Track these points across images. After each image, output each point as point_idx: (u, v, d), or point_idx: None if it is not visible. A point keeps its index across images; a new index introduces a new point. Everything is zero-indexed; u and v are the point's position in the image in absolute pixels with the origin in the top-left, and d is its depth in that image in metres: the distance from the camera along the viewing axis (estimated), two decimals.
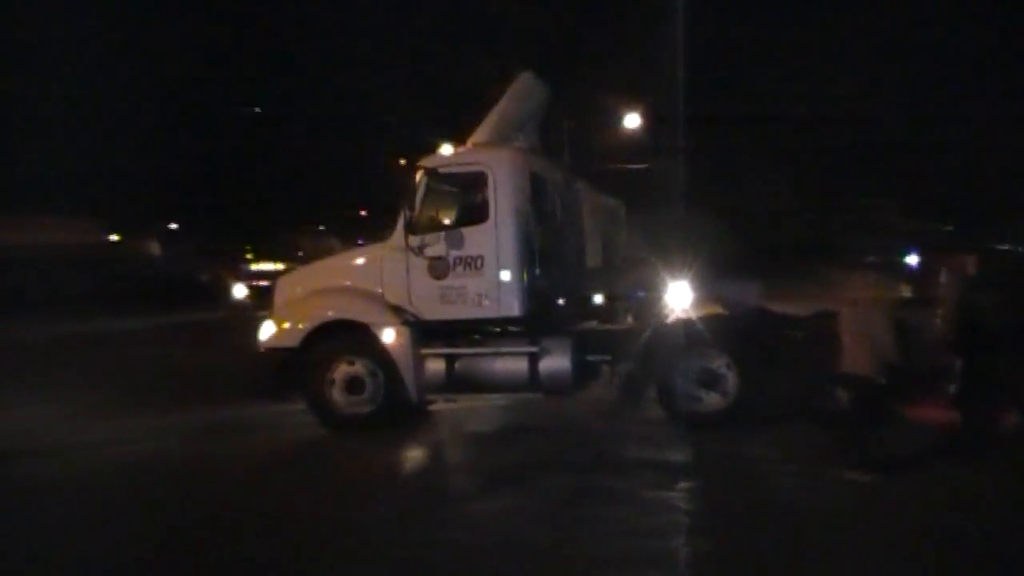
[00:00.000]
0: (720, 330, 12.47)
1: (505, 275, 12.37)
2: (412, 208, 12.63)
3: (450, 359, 12.73)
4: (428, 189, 12.73)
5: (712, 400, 12.43)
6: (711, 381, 12.46)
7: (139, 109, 49.22)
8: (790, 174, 36.19)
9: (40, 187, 46.66)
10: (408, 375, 12.62)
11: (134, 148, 48.09)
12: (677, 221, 30.06)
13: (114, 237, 50.56)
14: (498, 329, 12.86)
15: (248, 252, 47.31)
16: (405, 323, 12.71)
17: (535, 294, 12.72)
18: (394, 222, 12.94)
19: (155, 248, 50.89)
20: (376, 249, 13.44)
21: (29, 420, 14.59)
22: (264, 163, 52.65)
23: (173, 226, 57.42)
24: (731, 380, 12.37)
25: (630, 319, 13.95)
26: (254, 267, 39.07)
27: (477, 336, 12.87)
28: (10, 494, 10.48)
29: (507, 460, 11.35)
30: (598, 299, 14.54)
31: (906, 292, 13.39)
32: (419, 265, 12.66)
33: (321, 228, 53.39)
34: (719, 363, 12.46)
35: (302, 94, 52.12)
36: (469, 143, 13.61)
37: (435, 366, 12.71)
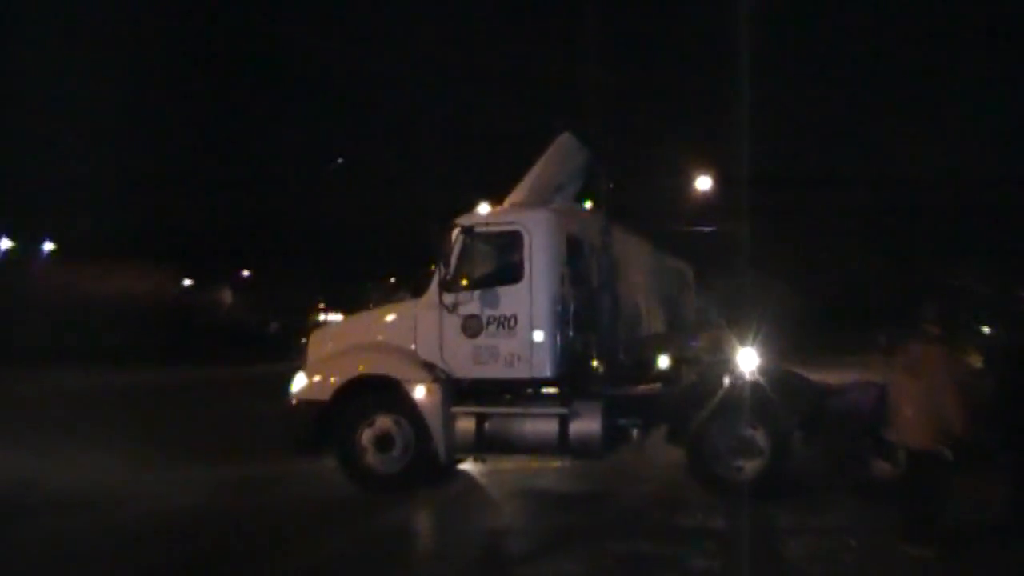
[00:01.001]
0: (755, 398, 12.18)
1: (538, 336, 12.27)
2: (447, 266, 12.63)
3: (480, 418, 12.58)
4: (464, 247, 12.72)
5: (747, 467, 12.14)
6: (744, 449, 12.18)
7: (216, 159, 50.41)
8: (868, 237, 35.68)
9: (117, 234, 47.84)
10: (438, 433, 12.49)
11: (211, 197, 49.05)
12: (745, 285, 29.80)
13: (188, 282, 51.47)
14: (530, 390, 12.71)
15: (320, 303, 47.77)
16: (437, 380, 12.61)
17: (568, 356, 12.58)
18: (429, 279, 12.95)
19: (227, 296, 51.69)
20: (410, 306, 13.45)
21: (68, 470, 14.57)
22: (338, 214, 53.36)
23: (246, 273, 58.23)
24: (764, 449, 12.14)
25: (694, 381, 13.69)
26: (324, 318, 39.31)
27: (508, 396, 12.70)
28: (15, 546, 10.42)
29: (551, 524, 11.13)
30: (663, 362, 14.41)
31: (977, 363, 13.04)
32: (452, 323, 12.60)
33: (392, 280, 53.78)
34: (752, 431, 12.20)
35: (375, 147, 52.96)
36: (506, 203, 13.63)
37: (465, 425, 12.56)
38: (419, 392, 12.59)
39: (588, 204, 14.62)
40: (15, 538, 10.71)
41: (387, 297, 48.98)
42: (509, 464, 13.80)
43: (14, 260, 56.79)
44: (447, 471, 13.49)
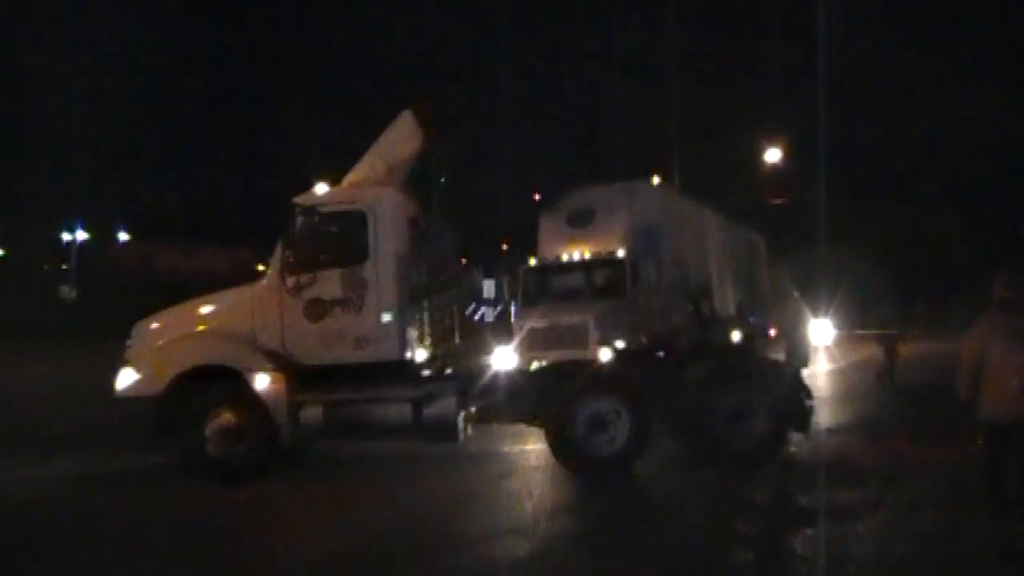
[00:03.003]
0: (614, 376, 12.22)
1: (386, 317, 11.85)
2: (288, 247, 12.13)
3: (328, 405, 12.00)
4: (304, 228, 12.24)
5: (609, 446, 11.91)
6: (603, 427, 11.87)
7: (290, 134, 50.90)
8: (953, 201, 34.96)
9: (197, 216, 48.89)
10: (284, 423, 11.80)
11: (283, 175, 49.91)
12: (819, 257, 29.48)
13: (261, 267, 52.38)
14: (381, 373, 11.97)
15: None
16: (280, 368, 11.93)
17: (419, 337, 12.21)
18: (268, 261, 12.43)
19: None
20: (249, 289, 12.74)
21: None
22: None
23: None
24: (626, 428, 11.87)
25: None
26: None
27: (357, 381, 11.96)
28: None
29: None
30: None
31: None
32: (295, 307, 12.00)
33: (463, 260, 54.04)
34: (613, 410, 11.92)
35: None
36: (345, 182, 13.11)
37: (313, 413, 11.95)
38: (261, 382, 11.87)
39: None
40: None
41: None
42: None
43: (92, 247, 58.80)
44: (297, 455, 12.92)
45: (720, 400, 12.21)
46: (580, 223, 16.16)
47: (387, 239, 12.05)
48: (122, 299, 35.17)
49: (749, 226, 25.62)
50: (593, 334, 14.52)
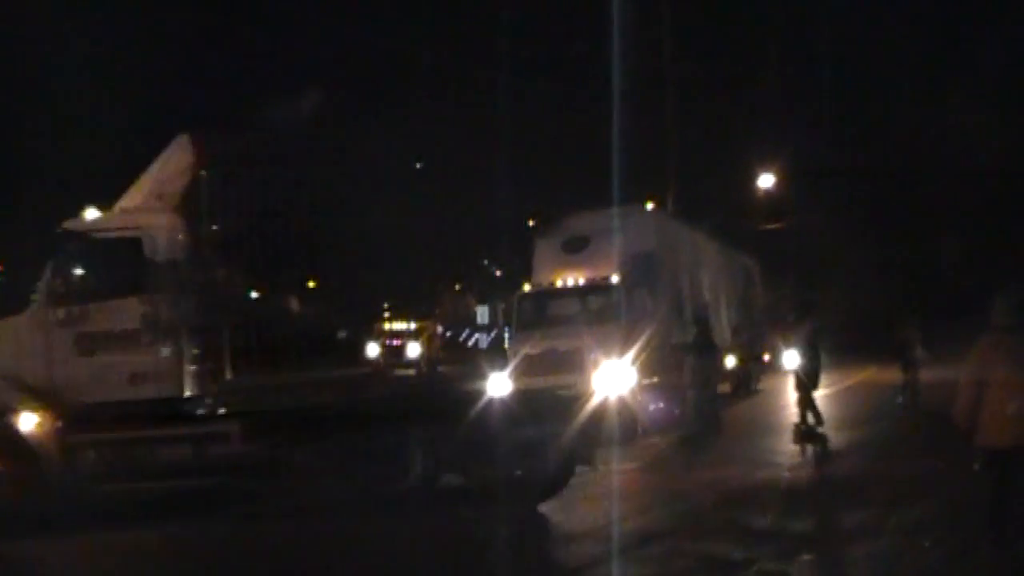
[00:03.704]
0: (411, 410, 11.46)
1: (164, 351, 10.82)
2: (56, 276, 10.94)
3: (104, 447, 10.77)
4: (74, 255, 11.14)
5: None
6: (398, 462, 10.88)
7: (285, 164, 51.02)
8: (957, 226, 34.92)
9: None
10: (54, 467, 10.52)
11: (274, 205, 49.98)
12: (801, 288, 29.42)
13: (254, 294, 52.26)
14: (160, 411, 10.98)
15: (385, 310, 48.26)
16: (49, 407, 10.66)
17: (204, 372, 11.20)
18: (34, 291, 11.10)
19: (295, 305, 52.29)
20: (12, 321, 11.21)
21: None
22: (402, 221, 53.77)
23: (311, 284, 58.87)
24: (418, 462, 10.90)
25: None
26: (389, 326, 39.60)
27: (135, 420, 10.80)
28: None
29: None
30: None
31: None
32: (64, 340, 10.75)
33: (457, 287, 54.04)
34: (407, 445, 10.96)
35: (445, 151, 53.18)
36: (117, 207, 11.97)
37: (87, 456, 10.70)
38: (26, 422, 10.61)
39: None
40: None
41: (452, 302, 49.54)
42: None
43: None
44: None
45: (512, 435, 11.75)
46: (574, 249, 16.20)
47: (164, 268, 11.02)
48: None
49: (743, 251, 25.73)
50: (588, 360, 14.53)
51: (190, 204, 11.97)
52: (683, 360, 15.83)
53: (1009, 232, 32.63)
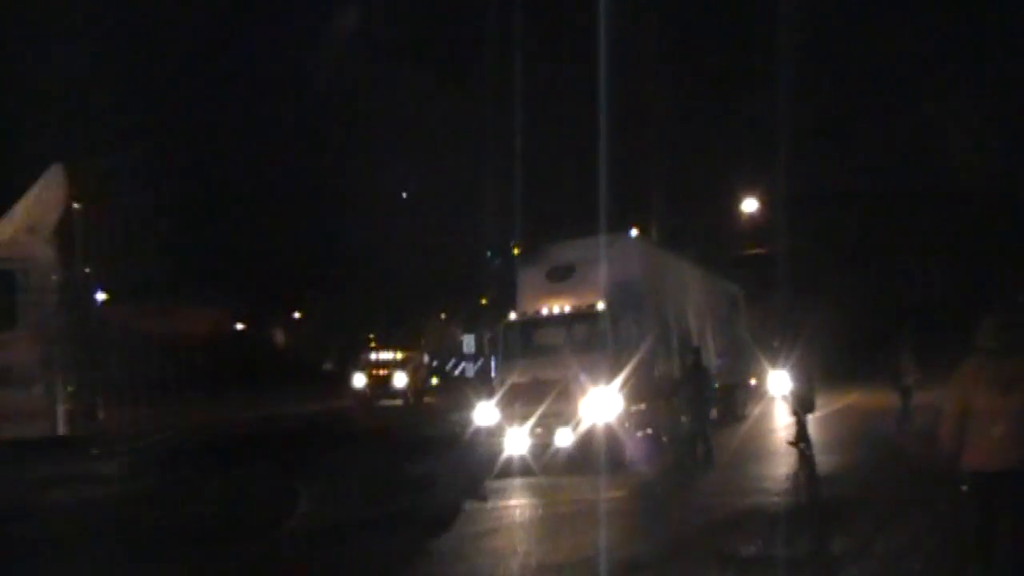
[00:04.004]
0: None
1: (36, 389, 10.46)
2: None
3: None
4: None
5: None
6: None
7: (268, 197, 50.98)
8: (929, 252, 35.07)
9: (173, 274, 48.57)
10: None
11: (262, 238, 49.74)
12: (786, 306, 29.55)
13: (240, 326, 52.03)
14: (34, 450, 10.47)
15: (371, 341, 48.18)
16: None
17: (83, 410, 10.93)
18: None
19: (280, 337, 52.18)
20: None
21: None
22: (387, 252, 53.82)
23: (296, 315, 58.74)
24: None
25: None
26: (375, 356, 39.50)
27: (7, 459, 10.23)
28: None
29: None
30: None
31: None
32: None
33: (443, 316, 54.02)
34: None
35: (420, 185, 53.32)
36: None
37: None
38: None
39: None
40: None
41: (438, 332, 49.51)
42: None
43: None
44: None
45: (410, 468, 11.65)
46: (559, 277, 16.19)
47: (37, 303, 10.66)
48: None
49: (728, 277, 25.81)
50: (574, 388, 14.51)
51: (64, 237, 11.56)
52: (675, 388, 15.84)
53: (993, 255, 32.81)
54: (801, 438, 13.76)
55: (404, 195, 49.63)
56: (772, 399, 26.99)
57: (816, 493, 12.42)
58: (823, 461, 13.83)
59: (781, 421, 22.76)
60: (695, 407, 14.58)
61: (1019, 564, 8.17)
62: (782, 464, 14.56)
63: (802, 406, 14.49)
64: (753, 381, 24.01)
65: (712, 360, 19.19)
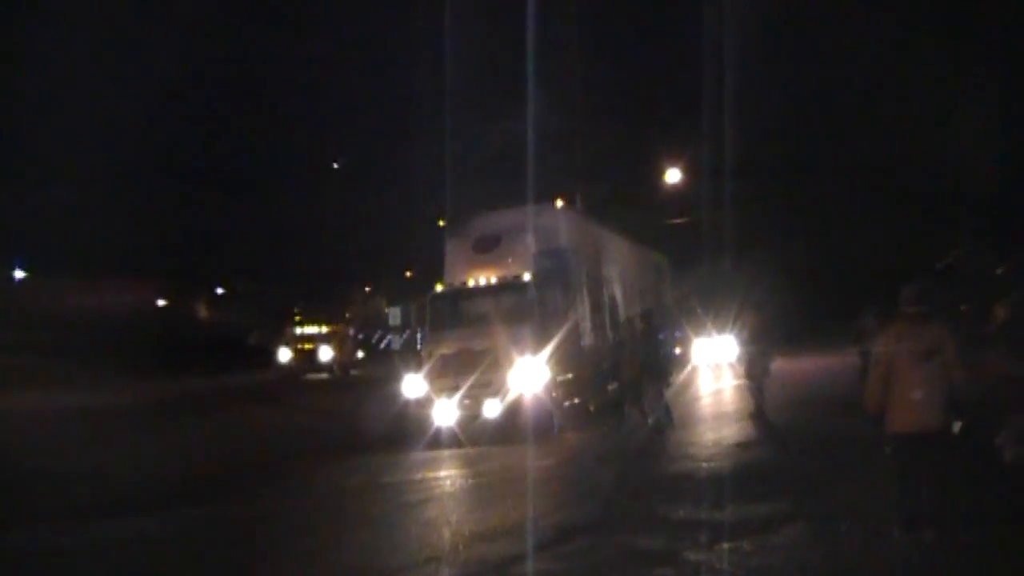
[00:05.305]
0: None
1: None
2: None
3: None
4: None
5: None
6: None
7: (189, 171, 50.04)
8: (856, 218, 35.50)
9: (93, 250, 47.36)
10: None
11: (183, 211, 48.80)
12: (723, 274, 29.99)
13: (162, 302, 51.09)
14: None
15: (296, 315, 47.71)
16: None
17: None
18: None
19: (203, 312, 51.32)
20: None
21: None
22: (311, 224, 53.21)
23: (219, 291, 57.80)
24: None
25: None
26: (300, 330, 39.09)
27: None
28: None
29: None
30: None
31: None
32: None
33: (367, 289, 53.59)
34: None
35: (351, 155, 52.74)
36: None
37: None
38: None
39: None
40: None
41: (363, 304, 49.10)
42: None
43: None
44: None
45: None
46: (486, 248, 16.14)
47: None
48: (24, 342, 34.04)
49: (653, 247, 26.01)
50: (502, 358, 14.51)
51: None
52: (603, 356, 15.92)
53: (916, 223, 33.44)
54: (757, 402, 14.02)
55: (335, 165, 49.04)
56: (696, 367, 27.40)
57: (742, 457, 12.61)
58: (746, 428, 14.06)
59: (706, 389, 23.07)
60: (650, 371, 14.63)
61: (938, 523, 8.41)
62: (708, 431, 14.76)
63: (752, 371, 14.73)
64: (678, 350, 24.26)
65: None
